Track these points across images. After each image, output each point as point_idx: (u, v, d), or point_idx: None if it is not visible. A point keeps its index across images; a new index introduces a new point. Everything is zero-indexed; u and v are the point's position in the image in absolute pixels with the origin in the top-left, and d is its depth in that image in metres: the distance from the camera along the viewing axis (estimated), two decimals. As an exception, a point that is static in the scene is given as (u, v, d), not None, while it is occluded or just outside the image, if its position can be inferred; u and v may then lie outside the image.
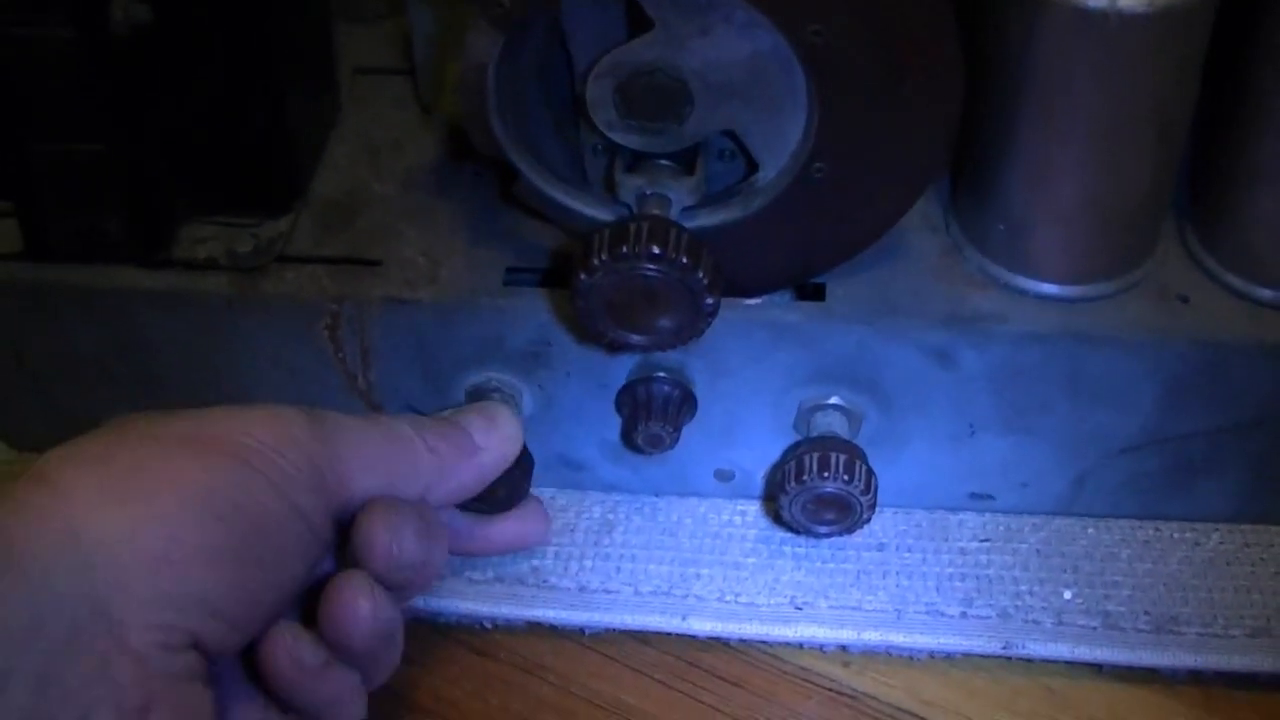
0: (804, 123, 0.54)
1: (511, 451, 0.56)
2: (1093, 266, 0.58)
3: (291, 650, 0.48)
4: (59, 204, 0.61)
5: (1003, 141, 0.57)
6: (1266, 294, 0.59)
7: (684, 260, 0.52)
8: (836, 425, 0.60)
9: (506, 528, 0.59)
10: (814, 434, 0.60)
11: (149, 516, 0.44)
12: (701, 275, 0.52)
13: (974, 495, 0.64)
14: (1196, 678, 0.61)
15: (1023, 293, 0.59)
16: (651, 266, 0.52)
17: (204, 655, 0.45)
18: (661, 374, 0.60)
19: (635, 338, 0.54)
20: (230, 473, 0.46)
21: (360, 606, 0.49)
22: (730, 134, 0.56)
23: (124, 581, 0.43)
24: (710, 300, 0.53)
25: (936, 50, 0.52)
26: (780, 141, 0.55)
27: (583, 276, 0.53)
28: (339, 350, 0.62)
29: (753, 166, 0.57)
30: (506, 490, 0.58)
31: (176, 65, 0.59)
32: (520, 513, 0.59)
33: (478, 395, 0.61)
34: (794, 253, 0.57)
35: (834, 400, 0.60)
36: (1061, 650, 0.60)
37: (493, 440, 0.56)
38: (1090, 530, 0.64)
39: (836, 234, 0.57)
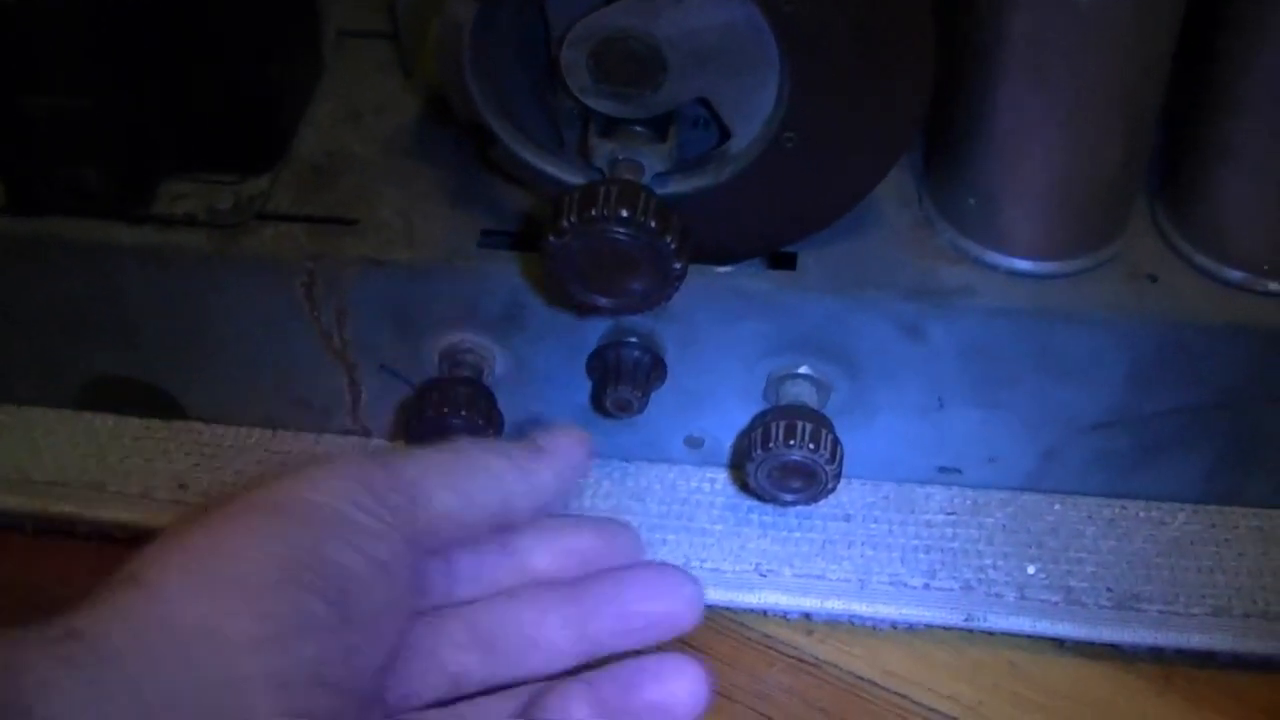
0: (776, 92, 0.55)
1: (582, 447, 0.52)
2: (1063, 243, 0.59)
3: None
4: (43, 157, 0.61)
5: (975, 117, 0.57)
6: (1235, 275, 0.59)
7: (652, 224, 0.52)
8: (805, 395, 0.60)
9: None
10: (783, 403, 0.60)
11: (238, 599, 0.43)
12: (670, 240, 0.53)
13: (942, 469, 0.64)
14: (1157, 655, 0.61)
15: (993, 268, 0.59)
16: (620, 229, 0.53)
17: None
18: (632, 339, 0.60)
19: (603, 301, 0.55)
20: (304, 537, 0.44)
21: None
22: (703, 101, 0.56)
23: (232, 668, 0.41)
24: (678, 265, 0.53)
25: (908, 21, 0.52)
26: (753, 110, 0.56)
27: (552, 239, 0.53)
28: (315, 308, 0.62)
29: (725, 134, 0.57)
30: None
31: (162, 22, 0.59)
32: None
33: (451, 356, 0.62)
34: (765, 221, 0.58)
35: (803, 370, 0.60)
36: (1023, 624, 0.61)
37: (559, 440, 0.52)
38: (1057, 506, 0.64)
39: (808, 204, 0.57)
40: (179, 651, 0.41)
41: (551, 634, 0.50)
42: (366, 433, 0.67)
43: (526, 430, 0.60)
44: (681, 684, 0.49)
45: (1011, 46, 0.54)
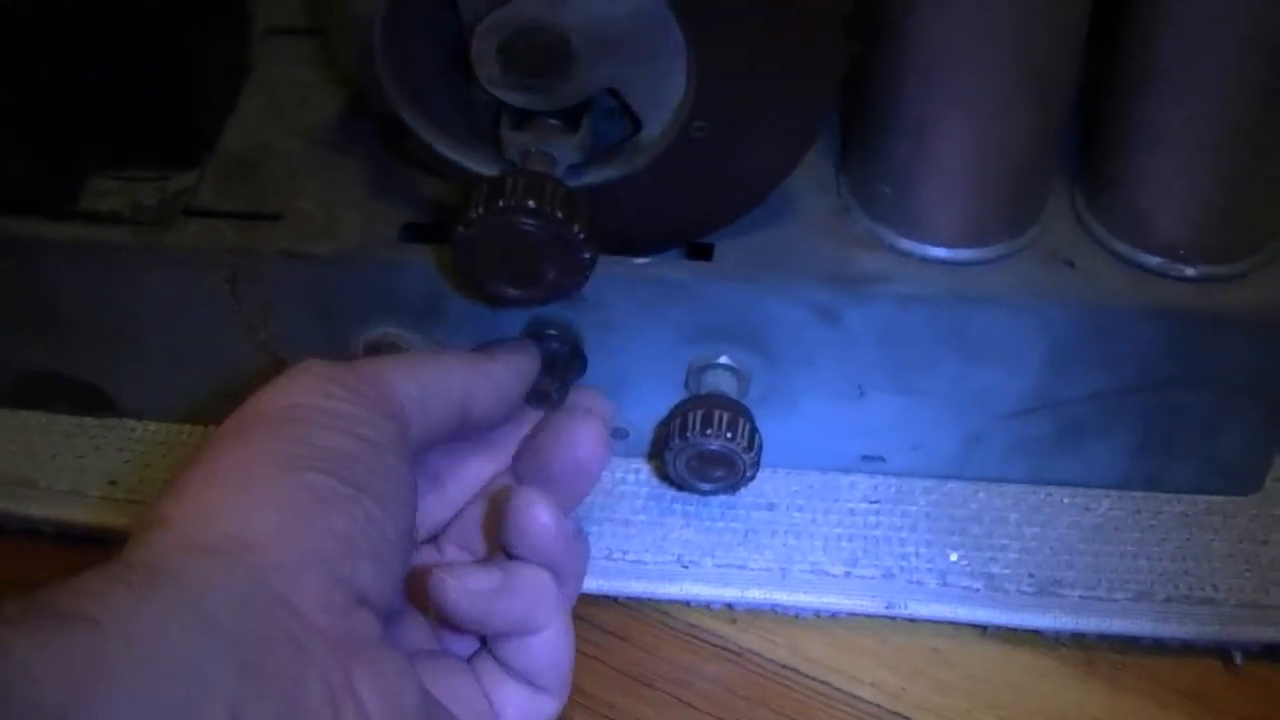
0: (685, 80, 0.55)
1: (528, 353, 0.58)
2: (977, 229, 0.59)
3: (460, 584, 0.50)
4: (-33, 155, 0.62)
5: (887, 104, 0.57)
6: (1152, 259, 0.59)
7: (559, 214, 0.53)
8: (725, 384, 0.61)
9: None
10: (702, 392, 0.61)
11: (255, 499, 0.44)
12: (577, 229, 0.53)
13: (866, 457, 0.65)
14: (1079, 640, 0.62)
15: (909, 255, 0.59)
16: (527, 220, 0.53)
17: (373, 613, 0.45)
18: (551, 331, 0.60)
19: (513, 291, 0.55)
20: (292, 432, 0.46)
21: (538, 517, 0.50)
22: (613, 92, 0.56)
23: (269, 558, 0.43)
24: (587, 254, 0.54)
25: (814, 7, 0.52)
26: (662, 99, 0.56)
27: (460, 230, 0.53)
28: (239, 302, 0.62)
29: (637, 125, 0.57)
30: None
31: (84, 19, 0.60)
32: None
33: (375, 348, 0.62)
34: (680, 211, 0.58)
35: (722, 359, 0.61)
36: (943, 611, 0.61)
37: (504, 346, 0.57)
38: (981, 494, 0.65)
39: (721, 192, 0.57)
40: (217, 563, 0.42)
41: None
42: (296, 426, 0.67)
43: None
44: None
45: (919, 29, 0.54)
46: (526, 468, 0.58)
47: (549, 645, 0.52)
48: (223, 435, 0.47)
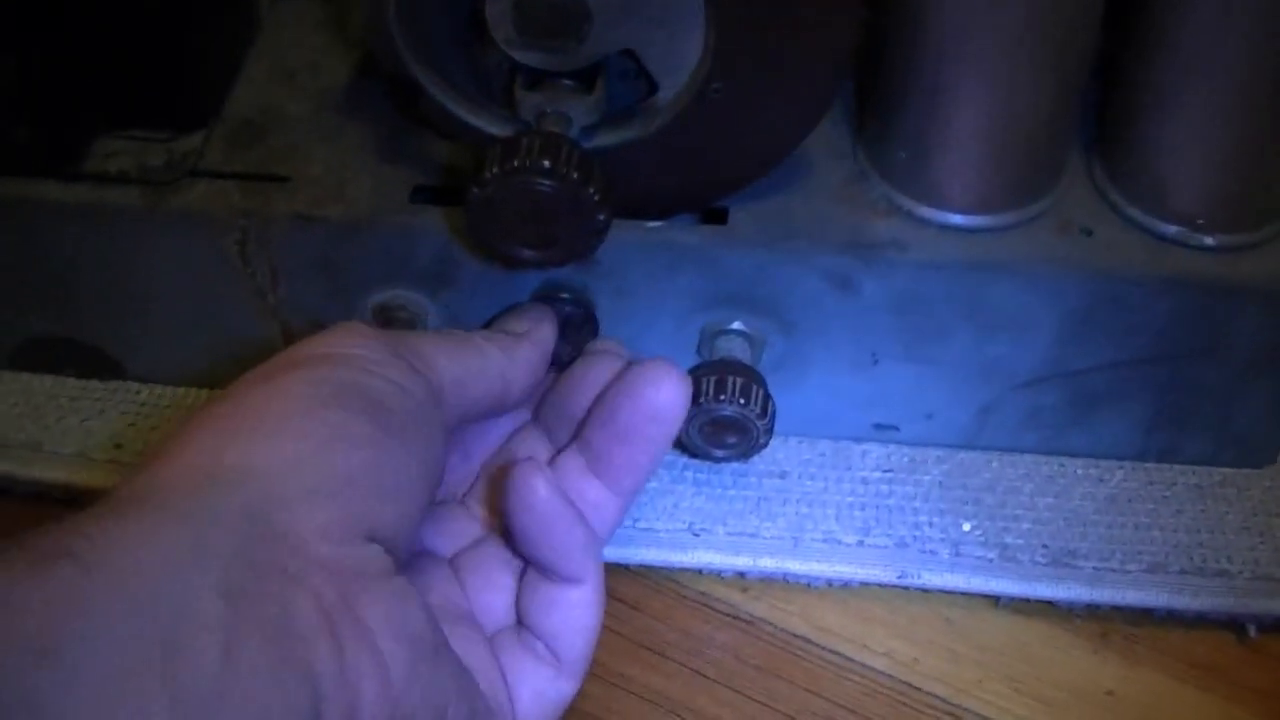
0: (701, 42, 0.54)
1: (548, 322, 0.57)
2: (994, 196, 0.58)
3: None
4: (-28, 116, 0.61)
5: (903, 67, 0.57)
6: (1170, 228, 0.59)
7: (574, 175, 0.52)
8: (738, 350, 0.60)
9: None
10: (715, 358, 0.60)
11: (272, 429, 0.44)
12: (592, 191, 0.52)
13: (879, 426, 0.64)
14: (1093, 611, 0.61)
15: (926, 222, 0.59)
16: (542, 180, 0.52)
17: (385, 550, 0.45)
18: (564, 295, 0.60)
19: (527, 253, 0.54)
20: (327, 372, 0.46)
21: (536, 489, 0.50)
22: (629, 53, 0.56)
23: (272, 489, 0.43)
24: (601, 216, 0.53)
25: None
26: (678, 61, 0.55)
27: (474, 190, 0.53)
28: (248, 265, 0.62)
29: (653, 86, 0.56)
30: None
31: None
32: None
33: (384, 312, 0.61)
34: (695, 175, 0.57)
35: (736, 325, 0.60)
36: (956, 581, 0.60)
37: (527, 323, 0.57)
38: (995, 464, 0.64)
39: (737, 156, 0.57)
40: (217, 486, 0.42)
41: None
42: (303, 391, 0.67)
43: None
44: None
45: (932, 3, 0.54)
46: (558, 418, 0.57)
47: (580, 606, 0.52)
48: (246, 379, 0.47)
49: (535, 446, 0.58)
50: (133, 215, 0.61)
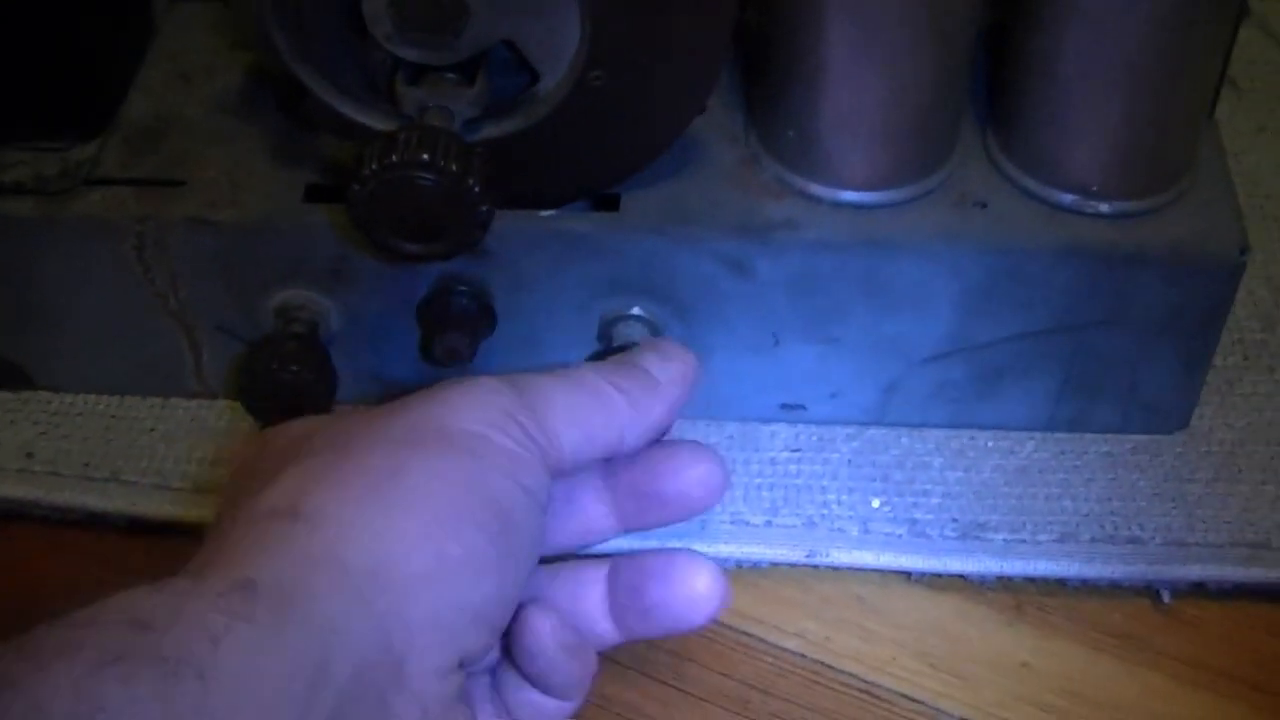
0: (579, 30, 0.54)
1: (690, 376, 0.54)
2: (885, 172, 0.58)
3: (555, 632, 0.49)
4: None
5: (786, 48, 0.57)
6: (1065, 198, 0.59)
7: (454, 167, 0.52)
8: (638, 336, 0.60)
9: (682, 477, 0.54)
10: (615, 345, 0.60)
11: (413, 535, 0.43)
12: (472, 182, 0.52)
13: (785, 406, 0.64)
14: (1006, 584, 0.61)
15: (818, 200, 0.59)
16: (422, 174, 0.52)
17: (464, 672, 0.45)
18: (461, 288, 0.60)
19: (411, 247, 0.54)
20: (469, 470, 0.45)
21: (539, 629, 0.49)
22: (509, 44, 0.55)
23: (400, 610, 0.42)
24: (484, 208, 0.53)
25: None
26: (558, 50, 0.55)
27: (355, 187, 0.53)
28: (148, 271, 0.62)
29: (535, 76, 0.56)
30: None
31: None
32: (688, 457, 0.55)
33: (285, 312, 0.61)
34: (582, 163, 0.57)
35: (635, 311, 0.60)
36: (866, 558, 0.61)
37: (671, 371, 0.53)
38: (904, 440, 0.64)
39: (622, 143, 0.57)
40: (350, 592, 0.41)
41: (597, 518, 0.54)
42: (213, 394, 0.67)
43: (366, 383, 0.60)
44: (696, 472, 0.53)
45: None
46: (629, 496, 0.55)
47: (560, 714, 0.52)
48: (394, 443, 0.45)
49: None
50: (30, 226, 0.61)
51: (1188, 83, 0.57)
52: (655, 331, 0.60)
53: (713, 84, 0.55)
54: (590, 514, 0.54)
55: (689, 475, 0.53)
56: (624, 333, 0.60)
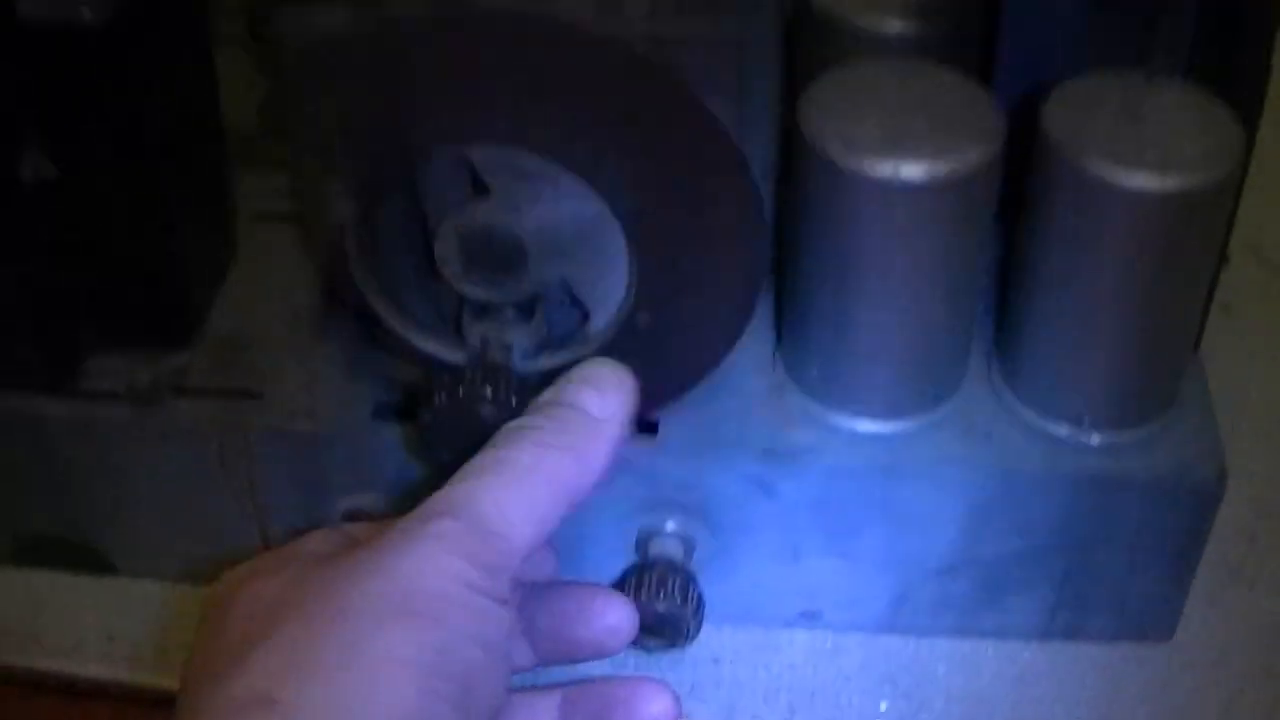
0: (627, 276, 0.61)
1: (631, 401, 0.54)
2: (899, 405, 0.64)
3: None
4: (-25, 335, 0.67)
5: (811, 293, 0.63)
6: (1060, 430, 0.65)
7: (513, 401, 0.58)
8: (672, 549, 0.66)
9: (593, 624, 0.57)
10: (651, 556, 0.66)
11: (382, 714, 0.43)
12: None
13: (804, 613, 0.70)
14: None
15: (838, 429, 0.65)
16: (484, 406, 0.58)
17: None
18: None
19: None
20: (437, 641, 0.45)
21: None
22: (564, 285, 0.62)
23: None
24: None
25: (739, 214, 0.58)
26: (608, 292, 0.61)
27: (425, 414, 0.59)
28: (227, 474, 0.68)
29: (586, 314, 0.63)
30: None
31: (80, 212, 0.66)
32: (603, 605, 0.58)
33: (353, 516, 0.67)
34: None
35: (669, 526, 0.66)
36: (875, 758, 0.66)
37: (610, 405, 0.54)
38: (912, 646, 0.70)
39: (664, 375, 0.63)
40: None
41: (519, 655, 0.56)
42: (280, 585, 0.72)
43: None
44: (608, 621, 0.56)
45: (835, 230, 0.60)
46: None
47: None
48: (360, 614, 0.45)
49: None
50: (123, 429, 0.68)
51: (1169, 329, 0.63)
52: (688, 545, 0.66)
53: (746, 323, 0.62)
54: (513, 652, 0.55)
55: (601, 625, 0.57)
56: (659, 546, 0.66)
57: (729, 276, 0.60)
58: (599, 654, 0.59)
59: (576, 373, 0.55)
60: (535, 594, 0.58)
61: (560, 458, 0.51)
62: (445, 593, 0.46)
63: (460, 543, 0.47)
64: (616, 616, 0.58)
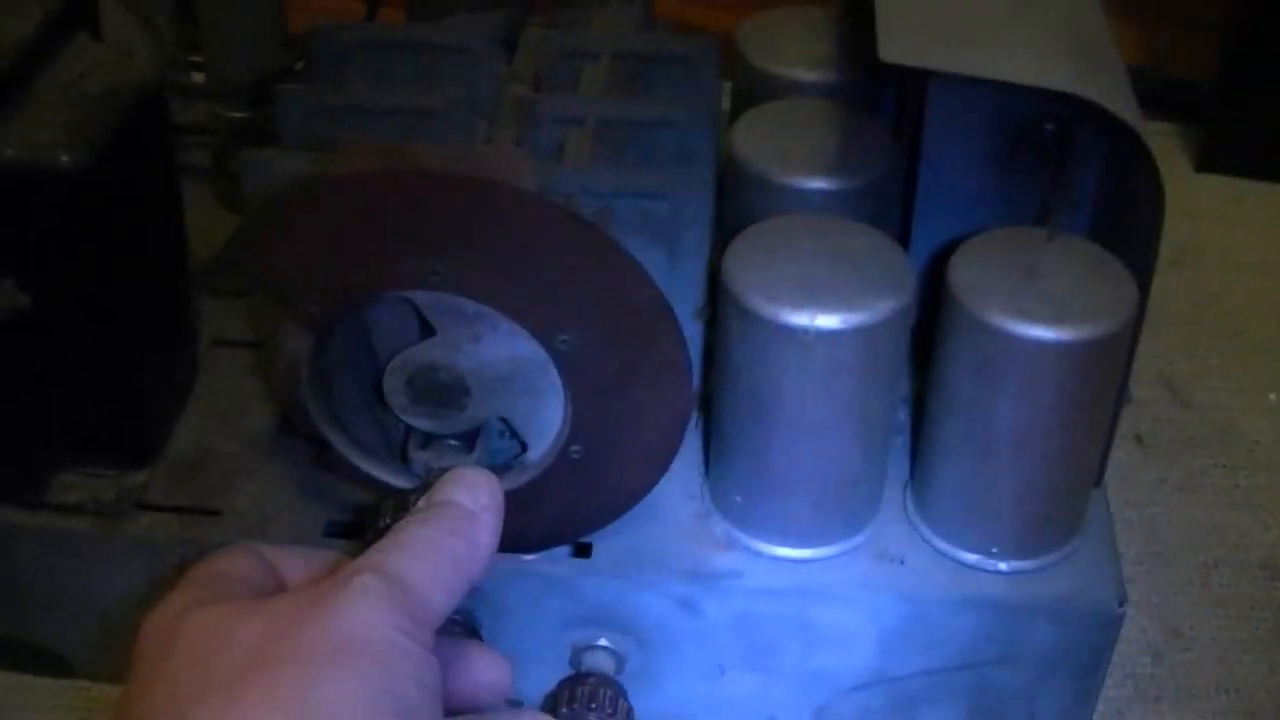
0: (562, 411, 0.65)
1: (498, 494, 0.57)
2: (817, 533, 0.69)
3: None
4: (-52, 453, 0.72)
5: (735, 428, 0.67)
6: (969, 557, 0.69)
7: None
8: (603, 662, 0.70)
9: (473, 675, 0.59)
10: (584, 669, 0.70)
11: None
12: None
13: (730, 725, 0.74)
14: None
15: (759, 554, 0.69)
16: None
17: None
18: (454, 616, 0.69)
19: None
20: (383, 683, 0.47)
21: None
22: (503, 419, 0.66)
23: None
24: None
25: (665, 354, 0.62)
26: (544, 426, 0.66)
27: (371, 534, 0.63)
28: (184, 586, 0.72)
29: (524, 445, 0.67)
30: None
31: (50, 341, 0.70)
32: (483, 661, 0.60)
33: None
34: (562, 517, 0.68)
35: (601, 641, 0.70)
36: None
37: (482, 498, 0.56)
38: (832, 757, 0.74)
39: (596, 503, 0.67)
40: None
41: None
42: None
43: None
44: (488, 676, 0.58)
45: (754, 372, 0.65)
46: None
47: None
48: (311, 655, 0.47)
49: None
50: (87, 541, 0.72)
51: (1071, 465, 0.68)
52: (619, 659, 0.70)
53: (674, 453, 0.66)
54: None
55: (480, 679, 0.59)
56: (590, 659, 0.70)
57: (658, 411, 0.64)
58: (475, 706, 0.59)
59: (448, 476, 0.57)
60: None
61: (449, 539, 0.54)
62: (385, 638, 0.48)
63: (388, 596, 0.49)
64: (496, 674, 0.60)
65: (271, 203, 0.63)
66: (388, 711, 0.46)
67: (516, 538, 0.66)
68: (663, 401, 0.64)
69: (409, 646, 0.49)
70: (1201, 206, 1.10)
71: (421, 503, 0.57)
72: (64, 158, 0.65)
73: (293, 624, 0.48)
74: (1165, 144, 1.14)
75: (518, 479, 0.67)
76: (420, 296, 0.63)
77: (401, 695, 0.47)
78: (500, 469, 0.68)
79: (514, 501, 0.65)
